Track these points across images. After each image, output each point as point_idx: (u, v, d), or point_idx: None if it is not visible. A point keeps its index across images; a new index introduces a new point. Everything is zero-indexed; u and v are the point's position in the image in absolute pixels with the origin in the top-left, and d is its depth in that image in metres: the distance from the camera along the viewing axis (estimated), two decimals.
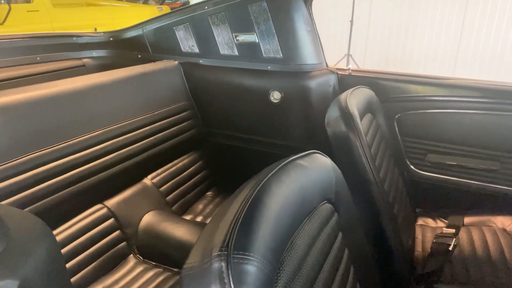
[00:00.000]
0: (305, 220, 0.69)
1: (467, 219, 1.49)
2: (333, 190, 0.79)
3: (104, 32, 2.10)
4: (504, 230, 1.40)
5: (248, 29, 1.69)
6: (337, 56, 5.33)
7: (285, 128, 1.76)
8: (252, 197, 0.58)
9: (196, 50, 1.87)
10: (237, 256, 0.50)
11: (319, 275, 0.67)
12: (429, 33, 5.09)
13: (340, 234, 0.80)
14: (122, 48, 2.08)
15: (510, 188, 1.57)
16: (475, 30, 4.81)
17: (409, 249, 1.31)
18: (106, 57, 2.09)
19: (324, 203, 0.76)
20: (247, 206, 0.57)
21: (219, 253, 0.50)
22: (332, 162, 0.82)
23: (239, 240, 0.52)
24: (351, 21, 5.11)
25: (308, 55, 1.66)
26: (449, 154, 1.62)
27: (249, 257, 0.50)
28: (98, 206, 1.46)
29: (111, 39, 2.07)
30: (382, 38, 5.41)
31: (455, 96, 1.57)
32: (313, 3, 1.66)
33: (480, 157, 1.59)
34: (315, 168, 0.76)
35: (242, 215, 0.55)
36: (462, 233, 1.41)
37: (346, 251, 0.80)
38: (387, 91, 1.67)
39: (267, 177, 0.64)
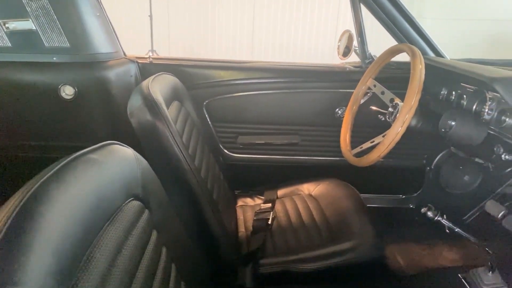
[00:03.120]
0: (106, 224, 0.56)
1: (280, 192, 1.59)
2: (139, 184, 0.68)
3: None
4: (310, 195, 1.54)
5: (21, 15, 1.39)
6: (142, 53, 5.13)
7: (85, 127, 1.54)
8: (17, 210, 0.42)
9: None
10: None
11: (132, 284, 0.56)
12: (226, 23, 5.38)
13: (155, 233, 0.69)
14: None
15: (309, 158, 1.75)
16: (264, 18, 5.33)
17: (233, 232, 1.30)
18: None
19: (130, 201, 0.64)
20: (8, 222, 0.41)
21: None
22: (136, 152, 0.71)
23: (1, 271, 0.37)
24: (150, 16, 4.98)
25: (101, 43, 1.47)
26: (257, 134, 1.70)
27: None
28: None
29: None
30: (184, 31, 5.46)
31: (255, 79, 1.65)
32: None
33: (283, 133, 1.71)
34: (113, 162, 0.63)
35: (3, 236, 0.39)
36: (278, 205, 1.49)
37: (164, 250, 0.71)
38: (192, 78, 1.63)
39: (41, 181, 0.48)
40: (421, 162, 1.80)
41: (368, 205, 1.49)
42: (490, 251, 1.21)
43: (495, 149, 1.20)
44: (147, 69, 1.60)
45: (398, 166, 1.79)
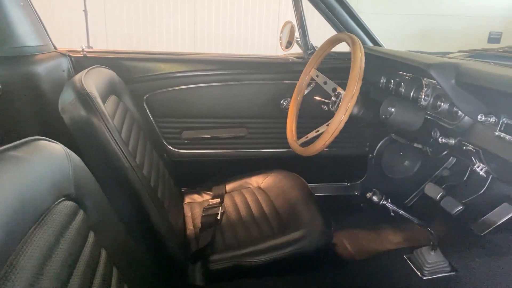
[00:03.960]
0: (33, 228, 0.50)
1: (229, 186, 1.56)
2: (71, 183, 0.62)
3: None
4: (259, 188, 1.52)
5: None
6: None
7: (13, 126, 1.41)
8: None
9: None
10: None
11: None
12: (167, 15, 5.23)
13: (92, 234, 0.64)
14: None
15: (257, 150, 1.74)
16: (206, 10, 5.25)
17: (181, 230, 1.26)
18: None
19: (61, 201, 0.58)
20: None
21: None
22: (67, 149, 0.65)
23: None
24: (85, 11, 4.72)
25: (26, 36, 1.35)
26: (202, 128, 1.66)
27: None
28: None
29: None
30: (122, 25, 5.23)
31: (198, 71, 1.60)
32: None
33: (229, 126, 1.68)
34: (40, 159, 0.57)
35: None
36: (226, 200, 1.46)
37: (104, 252, 0.65)
38: (130, 72, 1.55)
39: None
40: (364, 149, 1.85)
41: (316, 194, 1.51)
42: (431, 231, 1.27)
43: (432, 133, 1.25)
44: (80, 63, 1.50)
45: (342, 155, 1.83)
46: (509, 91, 0.87)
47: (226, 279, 1.11)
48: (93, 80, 1.08)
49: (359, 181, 1.92)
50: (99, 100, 1.00)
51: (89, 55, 1.52)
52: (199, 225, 1.32)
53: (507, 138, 0.95)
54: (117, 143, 0.99)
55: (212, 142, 1.68)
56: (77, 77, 1.04)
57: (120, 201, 0.98)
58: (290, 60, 1.71)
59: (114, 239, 0.71)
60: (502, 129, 0.98)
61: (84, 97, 0.96)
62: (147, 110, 1.58)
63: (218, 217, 1.32)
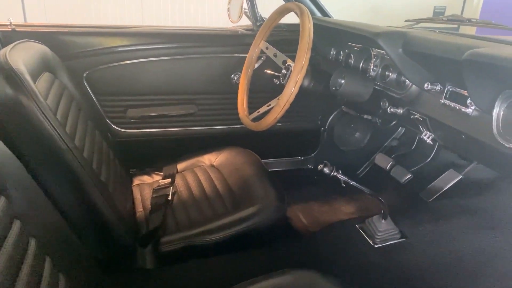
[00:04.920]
0: None
1: (180, 166, 1.50)
2: None
3: None
4: (212, 165, 1.48)
5: None
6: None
7: None
8: None
9: None
10: None
11: None
12: None
13: (18, 223, 0.57)
14: None
15: (208, 127, 1.69)
16: None
17: (128, 214, 1.19)
18: None
19: None
20: None
21: None
22: None
23: None
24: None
25: None
26: (149, 105, 1.58)
27: None
28: None
29: None
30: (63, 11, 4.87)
31: (142, 45, 1.51)
32: None
33: (178, 103, 1.61)
34: None
35: None
36: (178, 180, 1.41)
37: (33, 242, 0.59)
38: (67, 47, 1.43)
39: None
40: (317, 123, 1.85)
41: (270, 170, 1.49)
42: (382, 201, 1.30)
43: (381, 103, 1.26)
44: (9, 38, 1.36)
45: (295, 129, 1.82)
46: (454, 58, 0.87)
47: (178, 260, 1.08)
48: (21, 56, 0.97)
49: (313, 155, 1.93)
50: (27, 77, 0.90)
51: (18, 29, 1.38)
52: (149, 207, 1.26)
53: (452, 105, 0.97)
54: (51, 124, 0.90)
55: (160, 120, 1.61)
56: (1, 53, 0.93)
57: (58, 186, 0.91)
58: (240, 33, 1.65)
59: (45, 227, 0.64)
60: (447, 96, 0.99)
61: (9, 74, 0.86)
62: (88, 88, 1.47)
63: (169, 198, 1.27)
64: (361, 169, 1.89)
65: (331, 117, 1.82)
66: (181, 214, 1.23)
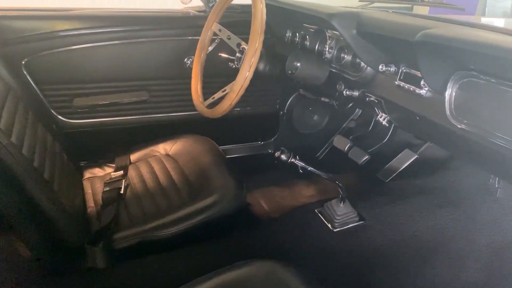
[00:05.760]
0: None
1: (133, 156, 1.43)
2: None
3: None
4: (167, 155, 1.42)
5: None
6: None
7: None
8: None
9: None
10: None
11: None
12: None
13: None
14: None
15: (162, 115, 1.62)
16: None
17: (78, 211, 1.12)
18: None
19: None
20: None
21: None
22: None
23: None
24: None
25: None
26: (98, 94, 1.48)
27: None
28: None
29: None
30: None
31: (87, 28, 1.41)
32: None
33: (129, 90, 1.53)
34: None
35: None
36: (131, 172, 1.34)
37: None
38: (1, 32, 1.31)
39: None
40: (275, 107, 1.82)
41: (228, 156, 1.45)
42: (339, 184, 1.29)
43: (337, 86, 1.25)
44: None
45: (254, 114, 1.78)
46: (407, 39, 0.86)
47: (131, 257, 1.03)
48: None
49: (272, 139, 1.90)
50: None
51: None
52: (100, 202, 1.19)
53: (406, 87, 0.97)
54: None
55: (110, 109, 1.52)
56: None
57: None
58: (191, 14, 1.57)
59: None
60: (401, 78, 0.99)
61: None
62: (28, 76, 1.36)
63: (122, 191, 1.21)
64: (320, 151, 1.89)
65: (289, 100, 1.80)
66: (134, 208, 1.17)
